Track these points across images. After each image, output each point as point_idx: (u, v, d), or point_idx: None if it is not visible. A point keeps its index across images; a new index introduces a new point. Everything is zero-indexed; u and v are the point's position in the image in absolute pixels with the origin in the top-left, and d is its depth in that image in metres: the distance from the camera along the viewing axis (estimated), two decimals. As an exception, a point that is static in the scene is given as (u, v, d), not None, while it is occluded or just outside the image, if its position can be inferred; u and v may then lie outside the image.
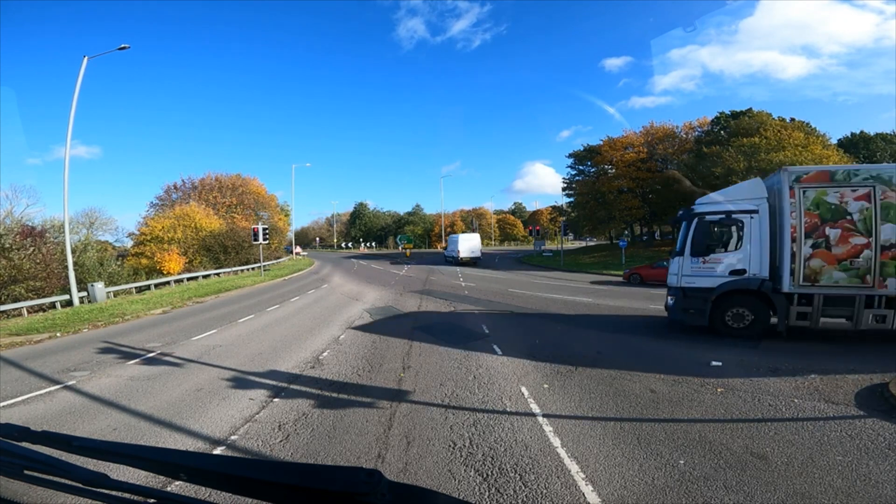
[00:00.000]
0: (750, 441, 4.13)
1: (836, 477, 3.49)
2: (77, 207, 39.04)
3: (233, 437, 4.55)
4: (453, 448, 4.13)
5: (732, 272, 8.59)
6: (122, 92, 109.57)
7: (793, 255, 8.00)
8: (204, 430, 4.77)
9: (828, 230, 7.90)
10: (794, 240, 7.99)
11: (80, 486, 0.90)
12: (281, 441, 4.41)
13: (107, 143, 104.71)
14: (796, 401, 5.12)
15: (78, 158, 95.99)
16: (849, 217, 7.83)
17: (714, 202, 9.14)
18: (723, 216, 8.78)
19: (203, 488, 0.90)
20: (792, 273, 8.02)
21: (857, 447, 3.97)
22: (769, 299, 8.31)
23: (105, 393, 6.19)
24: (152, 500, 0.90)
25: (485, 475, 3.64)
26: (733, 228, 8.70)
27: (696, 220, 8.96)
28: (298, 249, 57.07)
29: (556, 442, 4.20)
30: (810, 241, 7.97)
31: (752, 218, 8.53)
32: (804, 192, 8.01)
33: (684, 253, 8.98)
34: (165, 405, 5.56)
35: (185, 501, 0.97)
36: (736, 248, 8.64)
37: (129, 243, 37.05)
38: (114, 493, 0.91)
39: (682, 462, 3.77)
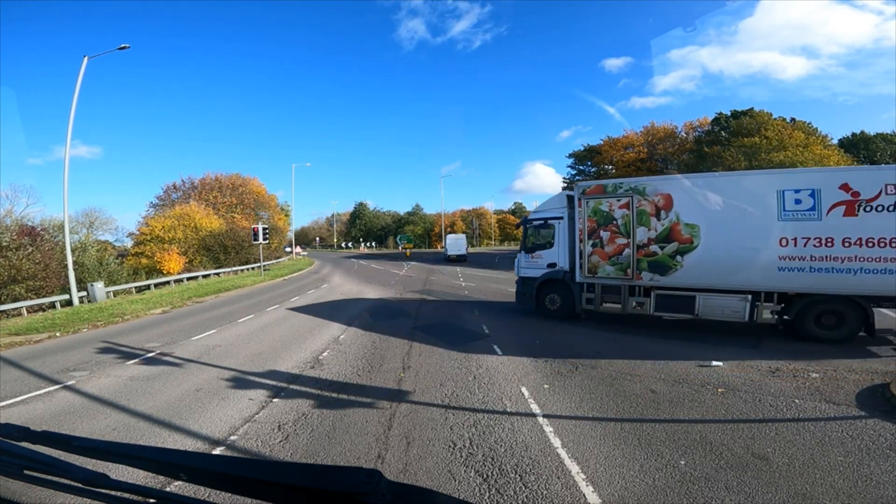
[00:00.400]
0: (751, 441, 4.12)
1: (837, 477, 3.49)
2: (78, 207, 39.02)
3: (232, 438, 4.54)
4: (453, 448, 4.12)
5: (549, 265, 11.01)
6: (123, 92, 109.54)
7: (580, 252, 10.10)
8: (203, 430, 4.76)
9: (601, 233, 9.86)
10: (581, 240, 10.08)
11: (80, 486, 0.90)
12: (280, 441, 4.40)
13: (107, 143, 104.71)
14: (797, 401, 5.11)
15: (79, 158, 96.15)
16: (615, 222, 9.70)
17: (539, 211, 11.66)
18: (542, 222, 11.29)
19: (203, 488, 0.90)
20: (580, 267, 10.12)
21: (859, 447, 3.96)
22: (569, 287, 10.50)
23: (104, 393, 6.17)
24: (152, 500, 0.90)
25: (485, 476, 3.63)
26: (548, 231, 11.09)
27: (526, 224, 11.69)
28: (298, 249, 57.04)
29: (556, 442, 4.19)
30: (591, 242, 9.98)
31: (559, 223, 10.86)
32: (587, 202, 9.99)
33: (521, 250, 11.69)
34: (165, 405, 5.55)
35: (185, 501, 0.97)
36: (550, 247, 11.03)
37: (129, 243, 37.04)
38: (114, 493, 0.91)
39: (682, 462, 3.76)
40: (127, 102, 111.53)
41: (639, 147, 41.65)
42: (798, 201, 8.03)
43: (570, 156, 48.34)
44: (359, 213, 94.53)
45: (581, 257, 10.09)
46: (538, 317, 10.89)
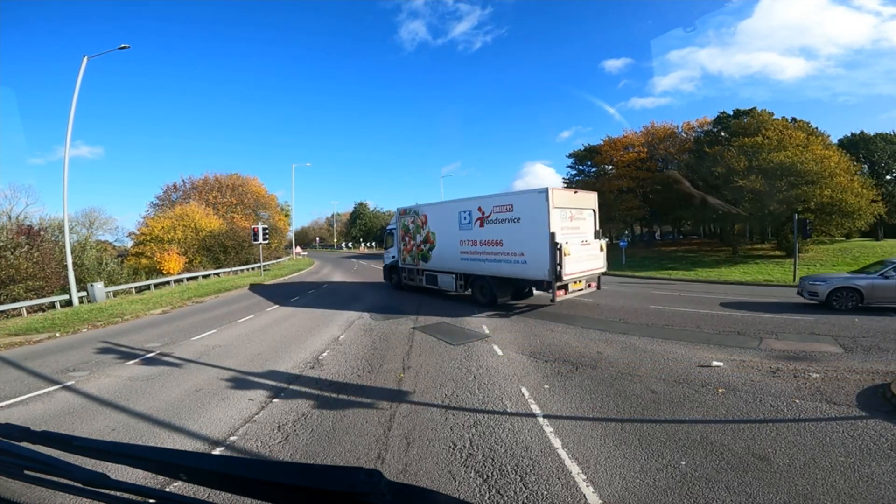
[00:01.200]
0: (752, 442, 4.11)
1: (838, 478, 3.48)
2: (80, 207, 39.18)
3: (232, 438, 4.53)
4: (453, 449, 4.11)
5: (392, 257, 17.53)
6: (126, 92, 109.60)
7: (400, 248, 16.54)
8: (203, 430, 4.75)
9: (405, 237, 16.12)
10: (399, 241, 16.57)
11: (80, 486, 0.90)
12: (280, 442, 4.40)
13: (109, 143, 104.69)
14: (798, 401, 5.10)
15: (82, 158, 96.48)
16: (410, 231, 15.82)
17: (389, 224, 17.92)
18: (389, 231, 17.88)
19: (203, 488, 0.90)
20: (401, 258, 16.57)
21: (860, 448, 3.96)
22: (399, 270, 16.89)
23: (104, 393, 6.17)
24: (152, 500, 0.90)
25: (485, 476, 3.62)
26: (391, 237, 17.60)
27: (384, 232, 18.81)
28: (298, 249, 57.02)
29: (556, 443, 4.18)
30: (402, 243, 16.37)
31: (396, 231, 16.92)
32: (401, 219, 16.35)
33: (384, 248, 18.64)
34: (164, 406, 5.55)
35: (185, 501, 0.97)
36: (392, 246, 17.51)
37: (129, 243, 37.04)
38: (114, 493, 0.91)
39: (683, 463, 3.75)
40: (130, 103, 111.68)
41: (639, 147, 41.49)
42: (465, 218, 12.98)
43: (570, 155, 48.10)
44: (359, 213, 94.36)
45: (399, 252, 16.64)
46: (538, 318, 10.89)
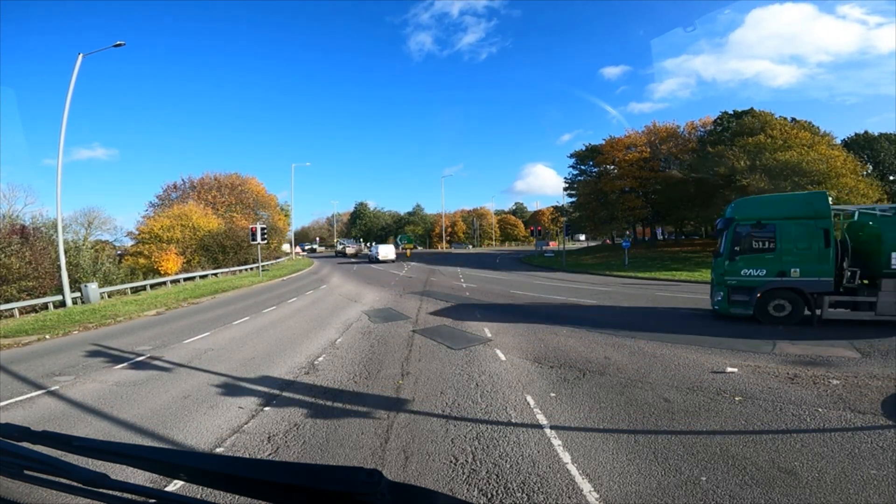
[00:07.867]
0: (776, 454, 3.83)
1: (872, 492, 3.22)
2: (86, 207, 38.72)
3: (218, 450, 4.25)
4: (455, 464, 3.82)
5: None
6: (135, 93, 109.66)
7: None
8: (188, 441, 4.47)
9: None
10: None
11: (80, 486, 0.91)
12: (270, 455, 4.12)
13: (117, 144, 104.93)
14: (820, 410, 4.81)
15: (97, 160, 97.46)
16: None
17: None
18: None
19: (203, 488, 0.91)
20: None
21: (891, 460, 3.68)
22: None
23: (88, 399, 5.89)
24: (152, 500, 0.90)
25: (489, 495, 3.33)
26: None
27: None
28: (298, 249, 56.76)
29: (565, 457, 3.88)
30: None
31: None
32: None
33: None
34: (149, 413, 5.26)
35: (185, 501, 1.00)
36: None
37: (128, 243, 36.69)
38: (114, 493, 0.92)
39: (704, 479, 3.46)
40: (137, 103, 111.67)
41: (641, 147, 41.21)
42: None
43: (572, 155, 47.75)
44: (359, 212, 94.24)
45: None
46: (542, 321, 10.61)
